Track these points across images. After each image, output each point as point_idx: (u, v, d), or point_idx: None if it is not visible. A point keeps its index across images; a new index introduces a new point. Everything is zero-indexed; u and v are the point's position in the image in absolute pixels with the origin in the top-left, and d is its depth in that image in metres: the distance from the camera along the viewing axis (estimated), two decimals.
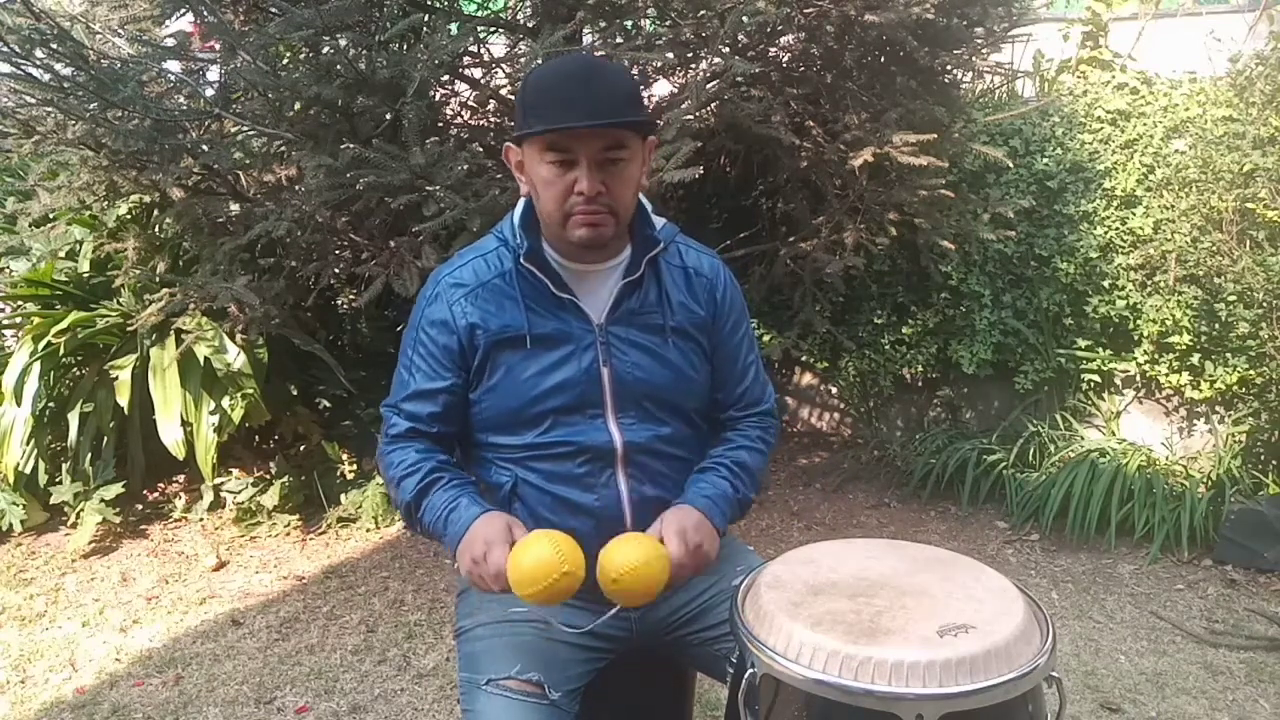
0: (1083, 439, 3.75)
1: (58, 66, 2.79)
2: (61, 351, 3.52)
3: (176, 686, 2.67)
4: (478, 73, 3.38)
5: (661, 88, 3.38)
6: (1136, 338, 3.70)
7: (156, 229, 3.75)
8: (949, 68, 3.22)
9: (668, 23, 3.00)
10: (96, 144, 3.00)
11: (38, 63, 2.79)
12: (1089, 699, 2.50)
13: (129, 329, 3.51)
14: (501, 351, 1.40)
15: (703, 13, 2.80)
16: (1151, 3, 4.61)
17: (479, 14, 3.49)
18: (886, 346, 4.08)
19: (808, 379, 4.65)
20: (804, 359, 4.45)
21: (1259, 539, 3.15)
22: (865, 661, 1.07)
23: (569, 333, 1.40)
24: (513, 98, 2.96)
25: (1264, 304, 3.35)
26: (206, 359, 3.43)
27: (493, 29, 3.32)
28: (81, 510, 3.62)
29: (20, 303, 3.85)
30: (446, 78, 3.15)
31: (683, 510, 1.38)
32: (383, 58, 2.64)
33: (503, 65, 3.31)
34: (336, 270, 3.22)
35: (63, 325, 3.49)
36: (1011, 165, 3.60)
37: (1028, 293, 3.83)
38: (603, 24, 2.91)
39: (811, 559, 1.32)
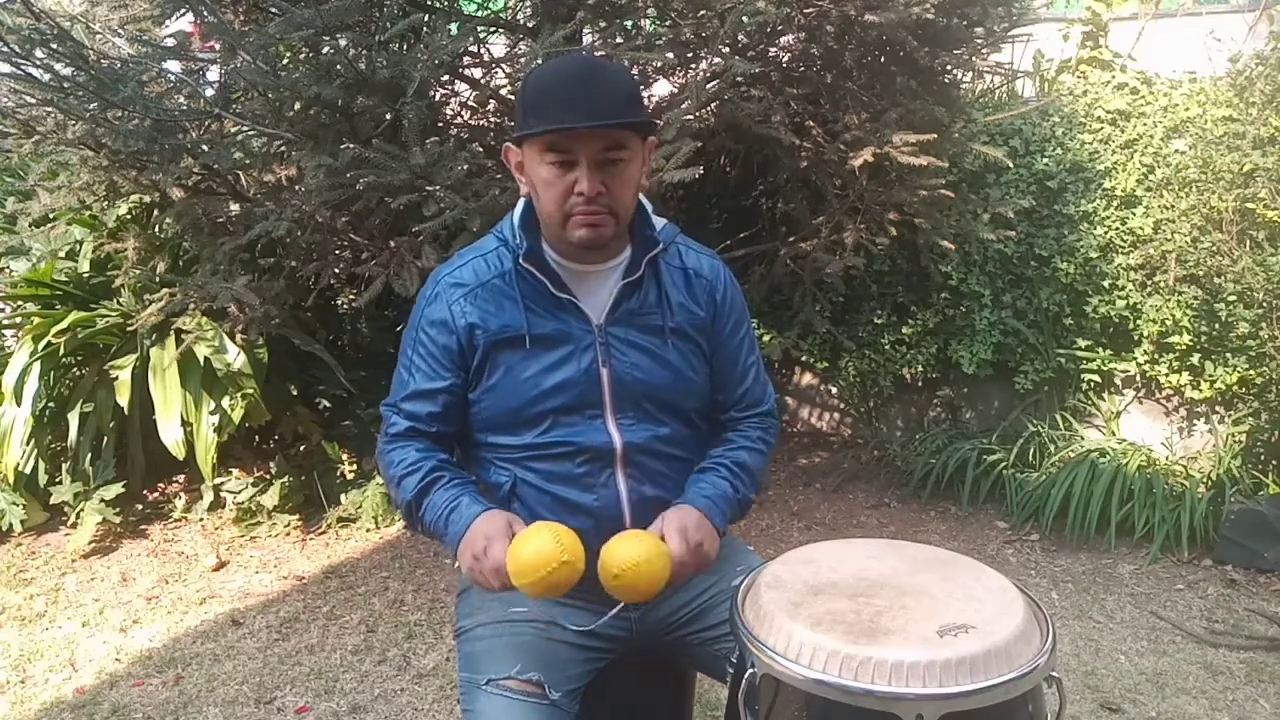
0: (1083, 439, 3.75)
1: (58, 66, 2.79)
2: (61, 351, 3.52)
3: (176, 686, 2.67)
4: (478, 73, 3.38)
5: (661, 88, 3.38)
6: (1136, 338, 3.70)
7: (156, 229, 3.75)
8: (949, 68, 3.22)
9: (668, 23, 3.00)
10: (96, 144, 3.00)
11: (38, 63, 2.79)
12: (1089, 699, 2.50)
13: (129, 329, 3.51)
14: (501, 351, 1.40)
15: (703, 13, 2.80)
16: (1151, 3, 4.61)
17: (479, 14, 3.49)
18: (886, 346, 4.08)
19: (808, 379, 4.65)
20: (804, 359, 4.45)
21: (1259, 539, 3.15)
22: (865, 661, 1.07)
23: (568, 333, 1.40)
24: (513, 98, 2.96)
25: (1264, 304, 3.35)
26: (206, 359, 3.43)
27: (493, 29, 3.32)
28: (81, 510, 3.62)
29: (20, 303, 3.85)
30: (446, 78, 3.15)
31: (683, 509, 1.38)
32: (383, 58, 2.64)
33: (503, 65, 3.31)
34: (336, 270, 3.22)
35: (63, 325, 3.49)
36: (1011, 165, 3.60)
37: (1028, 293, 3.83)
38: (603, 24, 2.91)
39: (811, 559, 1.32)
